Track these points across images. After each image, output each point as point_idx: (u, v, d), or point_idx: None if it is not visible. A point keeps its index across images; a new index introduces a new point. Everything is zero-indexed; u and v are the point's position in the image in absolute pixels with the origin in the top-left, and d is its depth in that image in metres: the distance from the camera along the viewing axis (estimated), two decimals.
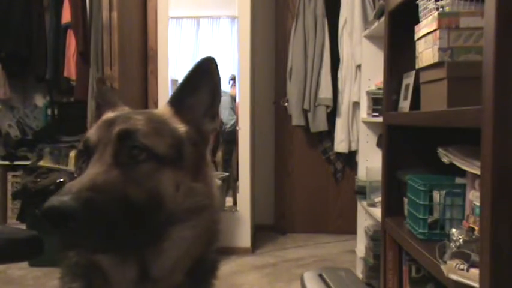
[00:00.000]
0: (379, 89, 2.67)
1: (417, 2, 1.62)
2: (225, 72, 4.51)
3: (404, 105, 1.87)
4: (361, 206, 2.94)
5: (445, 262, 1.21)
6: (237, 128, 3.78)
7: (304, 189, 4.32)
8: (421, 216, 1.55)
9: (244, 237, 3.70)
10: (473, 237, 1.20)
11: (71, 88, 3.55)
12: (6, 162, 3.84)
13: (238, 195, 3.94)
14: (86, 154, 0.79)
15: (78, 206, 0.65)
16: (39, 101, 4.09)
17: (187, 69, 0.88)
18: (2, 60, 3.79)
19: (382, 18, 2.25)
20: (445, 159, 1.43)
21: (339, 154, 4.16)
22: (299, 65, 4.11)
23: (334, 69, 4.01)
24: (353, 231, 3.29)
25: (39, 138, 3.75)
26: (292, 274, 3.15)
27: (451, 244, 1.24)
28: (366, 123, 2.99)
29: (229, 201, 4.24)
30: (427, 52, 1.51)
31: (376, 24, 2.68)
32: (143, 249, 0.77)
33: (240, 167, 3.77)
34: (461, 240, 1.21)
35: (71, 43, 3.47)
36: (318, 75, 4.07)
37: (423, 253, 1.44)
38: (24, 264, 3.16)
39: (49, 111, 3.98)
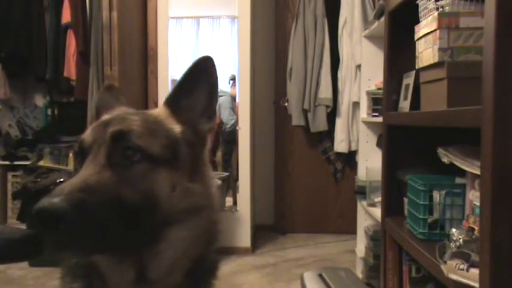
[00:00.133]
0: (379, 89, 2.67)
1: (417, 2, 1.62)
2: (225, 72, 4.51)
3: (404, 105, 1.87)
4: (361, 206, 2.94)
5: (445, 262, 1.21)
6: (237, 128, 3.78)
7: (304, 189, 4.32)
8: (421, 216, 1.55)
9: (244, 237, 3.70)
10: (473, 237, 1.20)
11: (71, 88, 3.55)
12: (6, 162, 3.84)
13: (238, 195, 3.94)
14: (81, 156, 0.79)
15: (68, 208, 0.65)
16: (39, 101, 4.09)
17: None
18: (2, 60, 3.79)
19: (382, 18, 2.25)
20: (445, 159, 1.43)
21: (339, 154, 4.16)
22: (299, 65, 4.11)
23: (334, 69, 4.01)
24: (353, 231, 3.29)
25: (39, 138, 3.75)
26: (292, 274, 3.15)
27: (451, 244, 1.24)
28: (366, 123, 2.99)
29: (229, 201, 4.24)
30: (427, 52, 1.51)
31: (376, 24, 2.68)
32: (140, 250, 0.77)
33: (240, 167, 3.77)
34: (461, 240, 1.21)
35: (71, 43, 3.47)
36: (318, 75, 4.07)
37: (423, 253, 1.44)
38: (24, 264, 3.16)
39: (49, 111, 3.98)
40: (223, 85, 4.59)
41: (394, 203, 1.93)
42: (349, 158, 4.12)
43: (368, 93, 2.93)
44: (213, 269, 0.89)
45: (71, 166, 3.27)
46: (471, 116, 1.12)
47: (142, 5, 3.64)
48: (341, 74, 3.92)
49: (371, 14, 3.31)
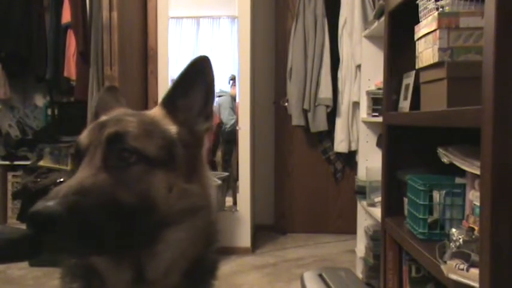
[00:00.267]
0: (379, 89, 2.67)
1: (417, 2, 1.62)
2: (225, 72, 4.51)
3: (404, 105, 1.87)
4: (361, 206, 2.94)
5: (445, 262, 1.21)
6: (237, 128, 3.79)
7: (304, 189, 4.32)
8: (421, 216, 1.55)
9: (244, 237, 3.70)
10: (473, 237, 1.20)
11: (71, 88, 3.55)
12: (7, 162, 3.84)
13: (238, 195, 3.94)
14: (78, 158, 0.78)
15: (63, 211, 0.65)
16: (39, 101, 4.09)
17: None
18: (2, 60, 3.79)
19: (382, 18, 2.25)
20: (445, 159, 1.43)
21: (339, 154, 4.16)
22: (299, 65, 4.11)
23: (334, 69, 4.01)
24: (353, 231, 3.29)
25: (39, 138, 3.75)
26: (292, 274, 3.15)
27: (451, 244, 1.24)
28: (366, 123, 2.99)
29: (229, 201, 4.24)
30: (427, 52, 1.51)
31: (376, 24, 2.68)
32: (137, 252, 0.77)
33: (240, 167, 3.77)
34: (461, 240, 1.21)
35: (71, 43, 3.47)
36: (318, 75, 4.07)
37: (423, 253, 1.44)
38: (24, 264, 3.16)
39: (49, 111, 3.98)
40: (223, 85, 4.59)
41: (394, 203, 1.93)
42: (349, 158, 4.12)
43: (368, 93, 2.93)
44: (213, 269, 0.89)
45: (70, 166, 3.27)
46: (471, 116, 1.12)
47: (142, 5, 3.64)
48: (341, 74, 3.92)
49: (371, 14, 3.31)
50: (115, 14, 3.07)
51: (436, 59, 1.43)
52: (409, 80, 1.87)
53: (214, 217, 0.87)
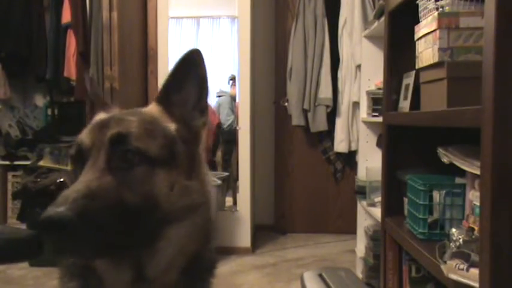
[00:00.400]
0: (379, 89, 2.67)
1: (417, 2, 1.62)
2: (225, 72, 4.51)
3: (404, 105, 1.87)
4: (361, 206, 2.94)
5: (445, 262, 1.21)
6: (237, 127, 3.78)
7: (304, 189, 4.32)
8: (421, 216, 1.55)
9: (244, 237, 3.70)
10: (473, 237, 1.20)
11: (71, 88, 3.56)
12: (7, 162, 3.84)
13: (238, 195, 3.94)
14: (79, 159, 0.78)
15: (74, 216, 0.65)
16: (39, 101, 4.09)
17: None
18: (2, 60, 3.79)
19: (382, 18, 2.25)
20: (445, 159, 1.43)
21: (339, 154, 4.16)
22: (299, 65, 4.11)
23: (334, 69, 4.01)
24: (353, 231, 3.28)
25: (39, 138, 3.75)
26: (292, 274, 3.15)
27: (451, 244, 1.24)
28: (365, 123, 2.99)
29: (229, 201, 4.24)
30: (427, 52, 1.51)
31: (376, 24, 2.68)
32: (139, 251, 0.77)
33: (240, 167, 3.77)
34: (461, 240, 1.21)
35: (71, 43, 3.47)
36: (318, 75, 4.07)
37: (423, 253, 1.44)
38: (24, 264, 3.16)
39: (49, 111, 3.99)
40: (223, 85, 4.59)
41: (394, 203, 1.93)
42: (349, 158, 4.12)
43: (368, 93, 2.93)
44: (211, 267, 0.89)
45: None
46: (471, 116, 1.12)
47: (142, 5, 3.64)
48: (341, 74, 3.92)
49: (371, 14, 3.31)
50: (115, 14, 3.07)
51: (436, 59, 1.43)
52: (409, 80, 1.87)
53: (212, 214, 0.87)
